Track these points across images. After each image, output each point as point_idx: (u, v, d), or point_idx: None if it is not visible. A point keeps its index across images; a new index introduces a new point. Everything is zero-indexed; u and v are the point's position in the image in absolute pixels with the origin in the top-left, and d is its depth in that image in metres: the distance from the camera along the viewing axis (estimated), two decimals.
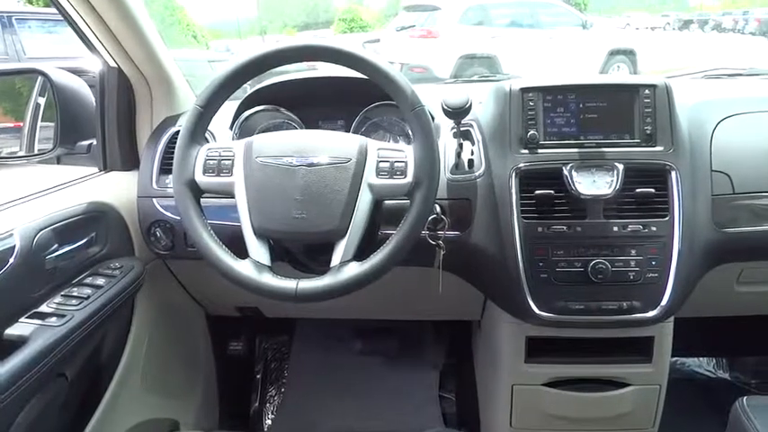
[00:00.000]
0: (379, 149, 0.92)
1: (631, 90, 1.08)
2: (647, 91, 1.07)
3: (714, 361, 1.71)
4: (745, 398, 0.92)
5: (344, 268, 0.88)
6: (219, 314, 1.57)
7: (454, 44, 7.29)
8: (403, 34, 7.90)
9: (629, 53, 8.42)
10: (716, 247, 1.08)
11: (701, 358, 1.72)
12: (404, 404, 1.65)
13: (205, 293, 1.46)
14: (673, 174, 1.04)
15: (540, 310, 1.05)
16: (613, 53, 8.31)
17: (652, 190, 1.04)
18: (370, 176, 0.90)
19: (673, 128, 1.06)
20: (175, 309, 1.43)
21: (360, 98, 1.19)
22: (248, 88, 1.20)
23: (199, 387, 1.55)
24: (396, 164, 0.91)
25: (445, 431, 1.50)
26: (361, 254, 0.90)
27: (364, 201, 0.90)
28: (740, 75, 1.55)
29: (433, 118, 1.03)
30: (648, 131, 1.06)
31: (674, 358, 1.71)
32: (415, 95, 0.91)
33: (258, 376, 1.81)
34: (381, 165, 0.91)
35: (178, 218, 1.15)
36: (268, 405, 1.74)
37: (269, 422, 1.69)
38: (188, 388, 1.51)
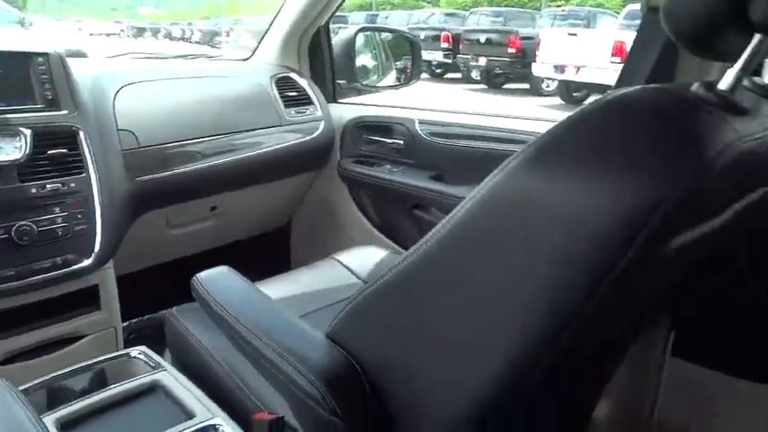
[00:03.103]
0: None
1: (24, 58, 1.12)
2: (40, 59, 1.13)
3: None
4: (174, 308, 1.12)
5: None
6: None
7: None
8: None
9: (80, 55, 8.32)
10: (135, 195, 1.25)
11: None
12: None
13: None
14: (81, 134, 1.14)
15: None
16: None
17: (65, 150, 1.12)
18: None
19: (73, 93, 1.16)
20: None
21: None
22: None
23: None
24: None
25: None
26: None
27: None
28: (149, 58, 1.78)
29: None
30: (50, 97, 1.13)
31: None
32: None
33: None
34: None
35: None
36: None
37: None
38: None
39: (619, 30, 9.36)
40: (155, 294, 1.51)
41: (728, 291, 0.93)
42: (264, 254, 1.83)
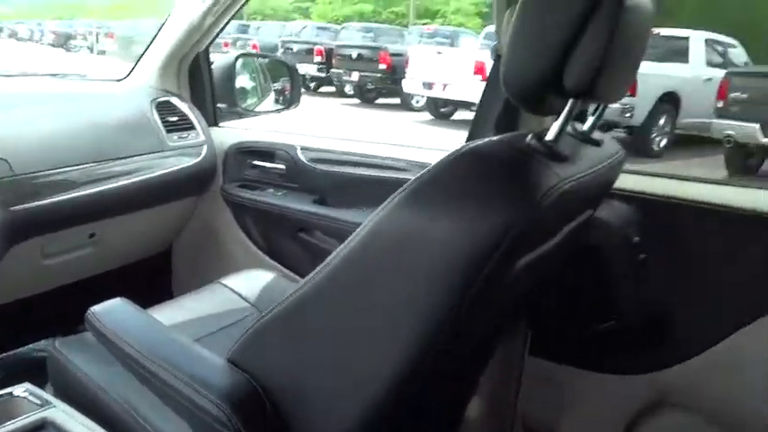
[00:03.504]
0: None
1: None
2: None
3: None
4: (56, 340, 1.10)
5: None
6: None
7: None
8: None
9: None
10: (9, 225, 1.20)
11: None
12: None
13: None
14: None
15: None
16: None
17: None
18: None
19: None
20: None
21: None
22: None
23: None
24: None
25: None
26: None
27: None
28: (12, 76, 1.70)
29: None
30: None
31: None
32: None
33: None
34: None
35: None
36: None
37: None
38: None
39: (479, 49, 10.03)
40: (29, 328, 1.44)
41: (564, 299, 1.12)
42: (145, 279, 1.81)
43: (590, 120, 0.88)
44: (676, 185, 1.19)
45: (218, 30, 1.66)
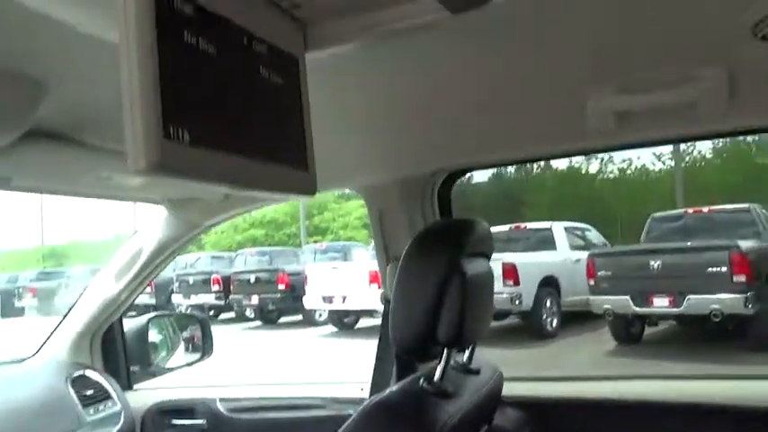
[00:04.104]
0: None
1: None
2: None
3: None
4: None
5: None
6: None
7: None
8: None
9: None
10: None
11: None
12: None
13: None
14: None
15: None
16: None
17: None
18: None
19: None
20: None
21: None
22: None
23: None
24: None
25: None
26: None
27: None
28: None
29: None
30: None
31: None
32: None
33: None
34: None
35: None
36: None
37: None
38: None
39: (371, 259, 10.66)
40: None
41: None
42: None
43: (467, 352, 1.09)
44: (556, 386, 1.40)
45: (132, 300, 1.78)
